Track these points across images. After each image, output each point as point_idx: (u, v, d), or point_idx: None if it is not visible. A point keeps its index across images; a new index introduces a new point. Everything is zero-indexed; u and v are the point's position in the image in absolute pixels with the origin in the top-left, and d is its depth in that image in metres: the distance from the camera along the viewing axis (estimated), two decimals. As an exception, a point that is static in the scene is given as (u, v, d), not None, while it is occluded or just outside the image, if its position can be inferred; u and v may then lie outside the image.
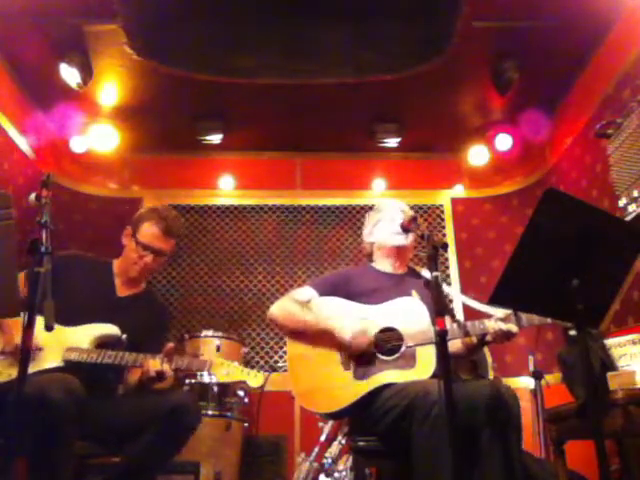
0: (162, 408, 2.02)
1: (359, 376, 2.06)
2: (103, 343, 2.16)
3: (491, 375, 3.32)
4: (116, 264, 2.41)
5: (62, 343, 2.07)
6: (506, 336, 1.98)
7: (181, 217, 2.48)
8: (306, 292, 2.28)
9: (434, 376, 2.00)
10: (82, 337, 2.12)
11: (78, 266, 2.27)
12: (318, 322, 2.12)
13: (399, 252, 2.39)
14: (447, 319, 1.65)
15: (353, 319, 2.11)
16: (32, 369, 1.80)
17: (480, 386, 1.90)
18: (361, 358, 2.08)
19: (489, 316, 2.06)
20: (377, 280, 2.35)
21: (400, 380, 2.00)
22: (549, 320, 1.97)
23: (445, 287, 2.01)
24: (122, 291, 2.38)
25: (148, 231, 2.31)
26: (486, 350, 3.27)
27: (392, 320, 2.13)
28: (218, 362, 2.12)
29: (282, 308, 2.23)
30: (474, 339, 2.14)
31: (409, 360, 2.05)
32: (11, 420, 1.49)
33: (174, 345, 2.11)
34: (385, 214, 2.41)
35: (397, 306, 2.17)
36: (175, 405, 2.02)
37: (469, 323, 2.05)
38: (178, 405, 2.03)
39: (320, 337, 2.12)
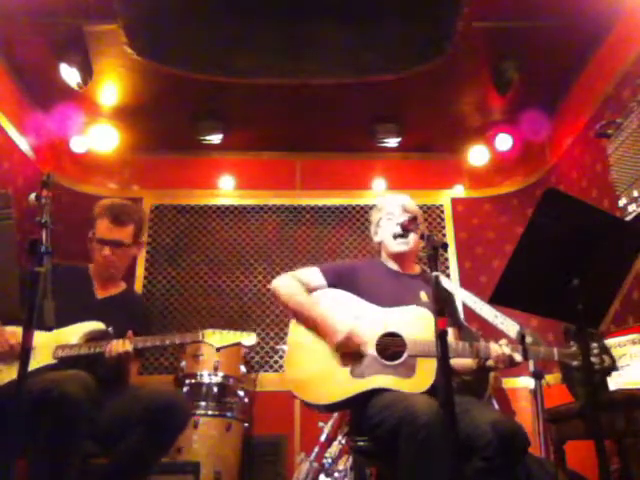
0: (149, 407, 2.02)
1: (356, 374, 2.04)
2: (92, 338, 2.20)
3: (491, 374, 3.32)
4: (92, 268, 2.47)
5: (51, 343, 2.11)
6: (509, 362, 1.93)
7: (133, 204, 2.55)
8: (314, 275, 2.24)
9: (435, 389, 1.97)
10: (70, 335, 2.17)
11: (57, 274, 2.25)
12: (312, 312, 2.12)
13: (401, 257, 2.35)
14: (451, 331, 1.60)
15: (347, 319, 2.08)
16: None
17: (485, 424, 1.81)
18: (355, 356, 2.05)
19: (496, 338, 2.02)
20: (384, 277, 2.31)
21: (396, 387, 1.97)
22: (555, 357, 1.92)
23: (449, 286, 1.98)
24: (101, 293, 2.43)
25: (100, 226, 2.39)
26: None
27: (399, 326, 2.08)
28: (209, 332, 2.18)
29: (286, 285, 2.21)
30: (473, 364, 2.09)
31: (409, 369, 2.01)
32: (12, 420, 1.49)
33: (132, 332, 2.19)
34: (384, 212, 2.36)
35: (407, 313, 2.12)
36: (162, 404, 2.03)
37: (475, 345, 2.01)
38: (165, 405, 2.03)
39: (314, 326, 2.12)
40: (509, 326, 1.86)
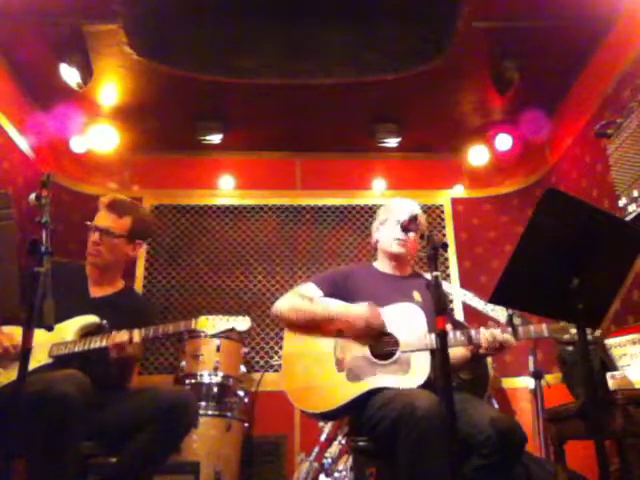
0: (160, 406, 2.01)
1: (352, 378, 2.05)
2: (86, 333, 2.18)
3: (491, 373, 3.32)
4: (87, 265, 2.41)
5: (46, 341, 2.08)
6: (501, 347, 1.96)
7: (138, 203, 2.50)
8: (311, 289, 2.27)
9: (430, 381, 1.98)
10: (65, 332, 2.14)
11: (53, 271, 2.24)
12: (329, 311, 2.14)
13: (397, 258, 2.36)
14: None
15: (363, 305, 2.12)
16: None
17: (483, 421, 1.83)
18: (357, 361, 2.07)
19: (487, 320, 2.04)
20: (377, 281, 2.33)
21: (393, 385, 1.98)
22: (545, 333, 1.95)
23: (447, 287, 1.99)
24: (96, 292, 2.37)
25: (97, 216, 2.39)
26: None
27: (389, 324, 2.11)
28: (202, 318, 2.17)
29: (290, 304, 2.24)
30: (467, 353, 2.10)
31: (403, 365, 2.03)
32: (11, 420, 1.49)
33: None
34: (393, 215, 2.34)
35: (395, 311, 2.15)
36: (173, 403, 2.02)
37: (465, 332, 2.03)
38: (176, 403, 2.03)
39: (330, 326, 2.14)
40: (499, 311, 1.88)
